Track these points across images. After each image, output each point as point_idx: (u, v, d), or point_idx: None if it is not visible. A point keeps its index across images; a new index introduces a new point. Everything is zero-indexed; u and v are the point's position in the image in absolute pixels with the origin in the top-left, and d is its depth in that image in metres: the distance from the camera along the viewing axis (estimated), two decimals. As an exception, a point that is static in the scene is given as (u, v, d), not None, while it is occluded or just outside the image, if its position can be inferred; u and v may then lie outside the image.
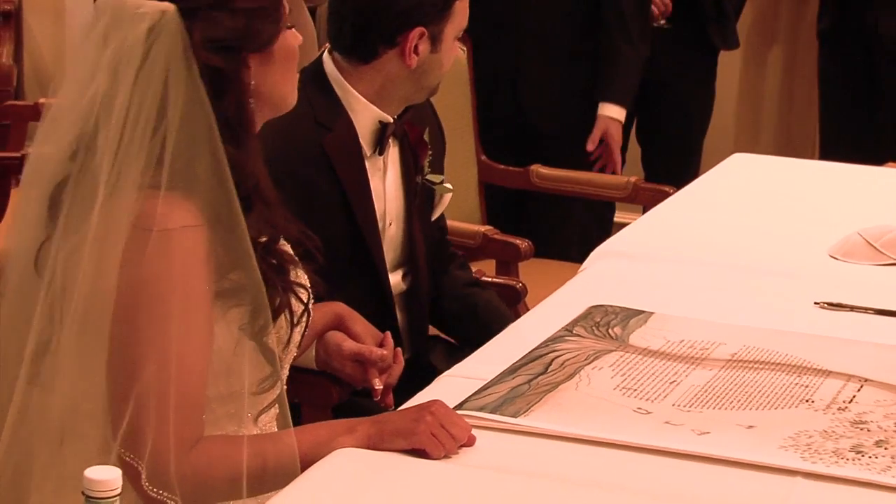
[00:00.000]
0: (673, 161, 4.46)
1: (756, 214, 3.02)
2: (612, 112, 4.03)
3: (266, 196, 1.94)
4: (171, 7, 1.85)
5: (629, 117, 4.46)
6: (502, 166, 3.90)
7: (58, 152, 1.90)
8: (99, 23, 1.88)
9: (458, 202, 3.72)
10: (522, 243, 3.27)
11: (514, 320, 2.64)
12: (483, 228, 3.33)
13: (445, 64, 2.61)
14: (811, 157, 4.77)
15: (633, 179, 3.58)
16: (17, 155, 3.57)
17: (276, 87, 2.00)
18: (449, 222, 3.32)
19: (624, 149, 4.51)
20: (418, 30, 2.54)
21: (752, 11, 4.66)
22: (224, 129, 1.86)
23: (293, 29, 2.03)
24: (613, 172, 4.02)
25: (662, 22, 4.25)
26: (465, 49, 3.80)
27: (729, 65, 4.72)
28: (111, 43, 1.86)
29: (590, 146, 4.00)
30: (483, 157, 3.87)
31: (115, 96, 1.83)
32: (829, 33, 4.53)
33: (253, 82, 1.94)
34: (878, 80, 4.34)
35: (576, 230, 4.14)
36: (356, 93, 2.56)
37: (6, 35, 5.34)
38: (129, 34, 1.84)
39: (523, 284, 2.99)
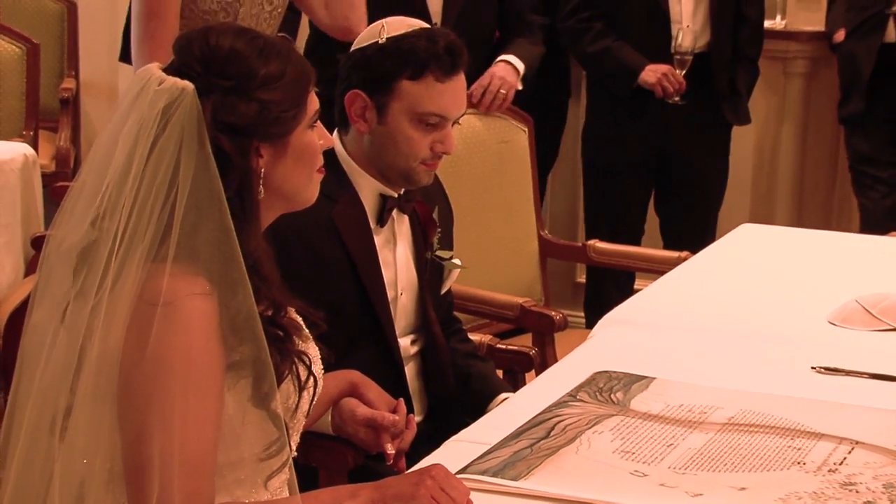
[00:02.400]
0: (690, 231, 4.44)
1: (760, 282, 3.00)
2: (508, 58, 3.92)
3: (263, 274, 1.92)
4: (189, 86, 1.86)
5: (648, 188, 4.46)
6: (562, 241, 3.97)
7: (80, 224, 1.91)
8: (126, 97, 1.90)
9: (519, 276, 3.77)
10: (557, 315, 3.26)
11: (510, 390, 2.64)
12: (521, 300, 3.33)
13: (401, 144, 2.53)
14: (824, 227, 4.73)
15: (683, 255, 3.55)
16: (62, 233, 3.57)
17: (288, 180, 1.97)
18: (488, 293, 3.33)
19: (643, 219, 4.51)
20: (357, 92, 2.53)
21: (764, 89, 4.65)
22: (237, 204, 1.86)
23: (319, 128, 2.02)
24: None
25: (677, 99, 4.25)
26: (525, 130, 3.80)
27: (744, 139, 4.71)
28: (132, 115, 1.87)
29: (476, 89, 3.82)
30: (543, 233, 3.89)
31: (130, 168, 1.84)
32: (858, 118, 4.49)
33: (263, 171, 1.94)
34: None
35: None
36: (360, 168, 2.57)
37: (65, 120, 5.41)
38: (149, 108, 1.85)
39: (537, 351, 2.98)
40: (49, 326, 1.91)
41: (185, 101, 1.85)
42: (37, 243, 3.61)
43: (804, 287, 2.95)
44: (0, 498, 1.90)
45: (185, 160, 1.84)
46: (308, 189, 2.03)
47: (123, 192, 1.84)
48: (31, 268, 3.85)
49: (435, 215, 2.70)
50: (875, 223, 4.33)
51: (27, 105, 4.82)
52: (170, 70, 1.91)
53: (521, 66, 3.89)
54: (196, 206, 1.83)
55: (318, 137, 2.02)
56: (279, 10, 3.29)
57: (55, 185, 4.25)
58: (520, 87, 3.86)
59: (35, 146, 4.60)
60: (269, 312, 1.93)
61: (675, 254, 3.62)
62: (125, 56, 4.62)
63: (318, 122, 2.03)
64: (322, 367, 2.02)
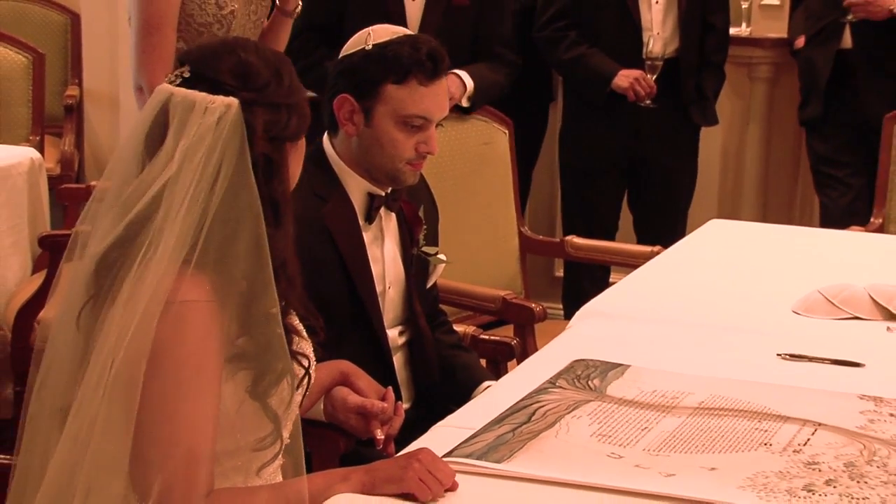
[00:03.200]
0: (662, 227, 4.43)
1: (728, 275, 3.00)
2: (459, 72, 3.78)
3: (290, 274, 1.93)
4: (234, 101, 1.86)
5: (622, 187, 4.46)
6: (541, 237, 3.97)
7: (101, 228, 1.90)
8: (171, 117, 1.89)
9: (501, 270, 3.77)
10: (536, 307, 3.26)
11: (493, 378, 2.65)
12: (503, 293, 3.33)
13: (387, 145, 2.53)
14: (787, 222, 4.74)
15: (656, 249, 3.54)
16: (68, 233, 3.55)
17: (297, 171, 2.01)
18: (471, 287, 3.33)
19: (617, 216, 4.51)
20: (344, 97, 2.53)
21: (730, 93, 4.65)
22: (269, 210, 1.87)
23: None
24: None
25: (648, 102, 4.24)
26: (506, 132, 3.80)
27: (712, 140, 4.70)
28: (185, 133, 1.86)
29: None
30: (523, 230, 3.88)
31: (178, 179, 1.83)
32: (816, 121, 4.50)
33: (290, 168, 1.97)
34: (869, 154, 4.29)
35: None
36: (348, 168, 2.57)
37: (69, 126, 5.39)
38: (201, 125, 1.85)
39: (518, 341, 2.98)
40: (66, 325, 1.90)
41: (232, 115, 1.85)
42: (43, 243, 3.61)
43: (769, 279, 2.95)
44: (17, 486, 1.90)
45: (223, 172, 1.84)
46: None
47: (162, 202, 1.84)
48: (37, 266, 3.85)
49: (421, 213, 2.69)
50: (835, 220, 4.33)
51: (33, 112, 4.81)
52: (193, 83, 1.90)
53: (469, 83, 3.77)
54: (232, 216, 1.84)
55: None
56: (261, 21, 3.29)
57: (60, 188, 4.26)
58: (464, 104, 3.75)
59: (41, 150, 4.59)
60: (275, 311, 1.92)
61: (647, 248, 3.62)
62: None
63: None
64: (312, 363, 2.02)
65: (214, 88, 1.88)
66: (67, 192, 4.18)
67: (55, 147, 5.22)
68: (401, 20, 3.60)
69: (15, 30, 5.31)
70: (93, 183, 4.10)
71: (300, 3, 3.26)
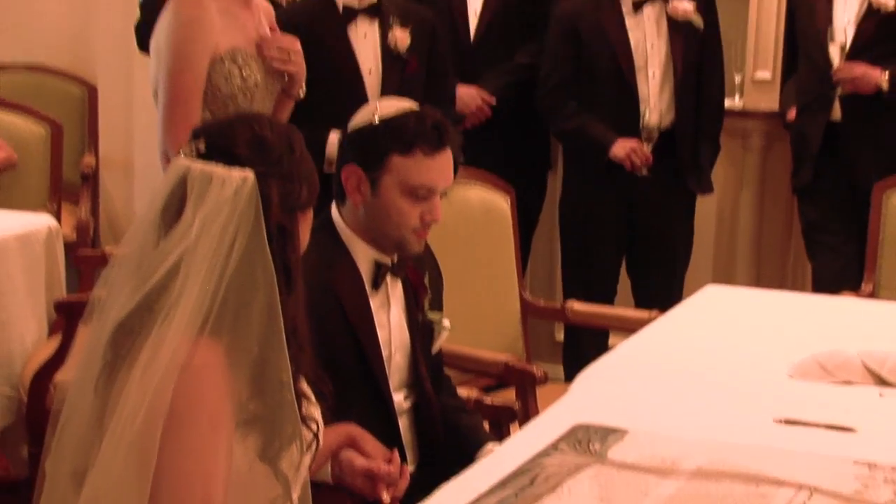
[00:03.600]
0: (659, 291, 4.42)
1: (725, 339, 2.98)
2: None
3: (301, 340, 1.93)
4: (250, 175, 1.88)
5: (620, 252, 4.45)
6: (541, 302, 3.94)
7: (120, 296, 1.90)
8: (190, 189, 1.89)
9: (503, 333, 3.75)
10: (538, 371, 3.24)
11: (496, 440, 2.64)
12: (505, 357, 3.31)
13: (393, 215, 2.53)
14: (779, 287, 4.73)
15: (654, 314, 3.52)
16: (87, 299, 3.55)
17: (305, 238, 2.02)
18: (473, 351, 3.31)
19: (616, 280, 4.50)
20: (353, 168, 2.53)
21: (724, 161, 4.66)
22: (281, 278, 1.87)
23: None
24: None
25: (644, 171, 4.25)
26: (508, 199, 3.81)
27: (707, 207, 4.71)
28: (203, 205, 1.87)
29: None
30: (525, 294, 3.87)
31: (196, 249, 1.83)
32: (808, 188, 4.51)
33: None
34: (859, 220, 4.28)
35: None
36: (356, 237, 2.57)
37: (85, 193, 5.40)
38: (218, 197, 1.86)
39: (520, 404, 2.96)
40: (83, 389, 1.90)
41: (248, 188, 1.86)
42: (59, 308, 3.60)
43: (765, 344, 2.93)
44: None
45: (238, 242, 1.85)
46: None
47: (179, 271, 1.84)
48: (53, 329, 3.84)
49: (426, 280, 2.69)
50: (826, 284, 4.32)
51: (51, 180, 4.81)
52: (209, 156, 1.90)
53: None
54: (247, 284, 1.84)
55: None
56: (277, 86, 3.30)
57: (76, 254, 4.26)
58: None
59: (58, 217, 4.59)
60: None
61: (646, 313, 3.60)
62: (142, 45, 4.53)
63: None
64: (321, 427, 2.02)
65: (230, 161, 1.89)
66: (83, 258, 4.18)
67: (72, 213, 5.22)
68: (359, 91, 3.65)
69: (34, 100, 5.33)
70: (108, 248, 4.11)
71: (304, 88, 3.29)
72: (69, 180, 5.23)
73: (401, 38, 3.75)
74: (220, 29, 3.15)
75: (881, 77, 4.26)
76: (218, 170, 1.88)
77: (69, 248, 4.35)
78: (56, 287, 3.88)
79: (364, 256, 2.58)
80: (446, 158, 2.57)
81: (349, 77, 3.59)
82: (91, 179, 5.49)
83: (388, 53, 3.76)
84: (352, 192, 2.55)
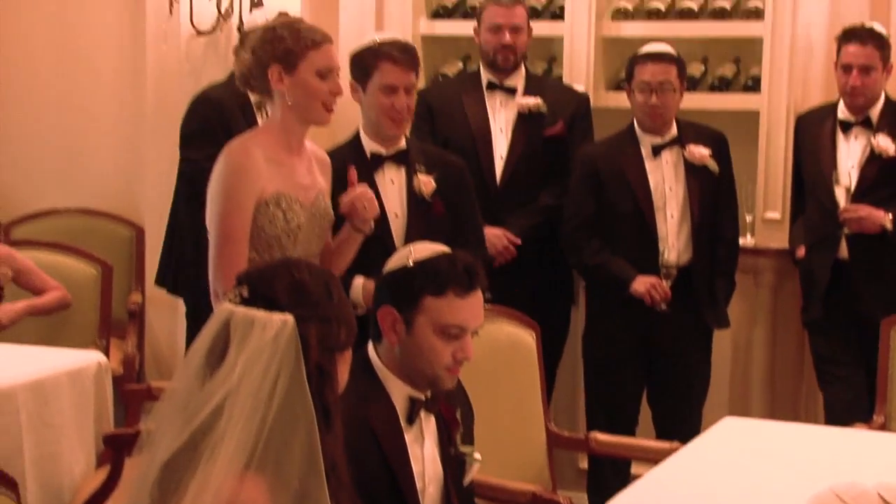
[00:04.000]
0: (679, 422, 4.42)
1: (743, 471, 2.97)
2: None
3: (339, 475, 1.94)
4: (290, 318, 1.91)
5: (640, 385, 4.45)
6: (566, 433, 3.93)
7: (169, 430, 1.92)
8: (233, 333, 1.93)
9: (529, 463, 3.74)
10: (565, 501, 3.22)
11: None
12: (532, 487, 3.30)
13: (426, 353, 2.57)
14: (793, 417, 4.72)
15: (675, 445, 3.50)
16: (130, 431, 3.58)
17: (344, 377, 2.05)
18: (502, 481, 3.30)
19: (637, 411, 4.49)
20: (388, 309, 2.57)
21: (737, 297, 4.68)
22: (321, 416, 1.89)
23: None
24: None
25: (663, 307, 4.27)
26: (533, 335, 3.82)
27: (722, 341, 4.71)
28: (245, 348, 1.90)
29: None
30: (550, 426, 3.86)
31: (239, 391, 1.86)
32: (818, 323, 4.52)
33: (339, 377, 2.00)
34: (869, 353, 4.28)
35: None
36: (391, 374, 2.59)
37: (132, 329, 5.45)
38: (260, 340, 1.89)
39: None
40: None
41: (287, 331, 1.90)
42: (108, 441, 3.62)
43: (782, 475, 2.92)
44: None
45: (281, 383, 1.87)
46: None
47: (223, 411, 1.86)
48: (100, 462, 3.85)
49: (458, 414, 2.70)
50: (837, 415, 4.31)
51: (101, 317, 4.88)
52: (252, 301, 1.94)
53: None
54: (288, 423, 1.86)
55: None
56: (324, 234, 3.39)
57: (123, 389, 4.29)
58: None
59: (107, 353, 4.64)
60: None
61: (667, 444, 3.59)
62: (161, 280, 4.74)
63: None
64: None
65: (271, 306, 1.92)
66: (130, 393, 4.21)
67: (118, 348, 5.26)
68: (386, 235, 3.71)
69: (85, 242, 5.42)
70: (154, 383, 4.14)
71: (373, 224, 3.36)
72: (116, 316, 5.28)
73: (425, 182, 3.82)
74: (266, 175, 3.23)
75: (885, 218, 4.31)
76: (259, 314, 1.91)
77: (116, 381, 4.38)
78: (104, 420, 3.91)
79: (399, 392, 2.61)
80: (477, 299, 2.61)
81: (376, 221, 3.66)
82: (137, 316, 5.55)
83: (414, 198, 3.82)
84: (387, 332, 2.58)
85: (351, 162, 3.65)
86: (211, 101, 4.38)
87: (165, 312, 5.64)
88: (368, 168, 3.80)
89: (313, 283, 1.99)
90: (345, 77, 3.52)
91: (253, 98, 4.67)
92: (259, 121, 4.71)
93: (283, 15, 4.45)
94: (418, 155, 3.87)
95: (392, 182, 3.83)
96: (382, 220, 3.76)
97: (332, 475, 1.90)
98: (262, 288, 1.96)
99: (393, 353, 2.60)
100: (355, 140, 3.87)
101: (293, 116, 3.28)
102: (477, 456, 2.72)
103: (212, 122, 4.28)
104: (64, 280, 4.78)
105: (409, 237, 3.71)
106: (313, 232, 3.32)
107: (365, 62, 3.73)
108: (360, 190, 3.38)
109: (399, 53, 3.70)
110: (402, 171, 3.84)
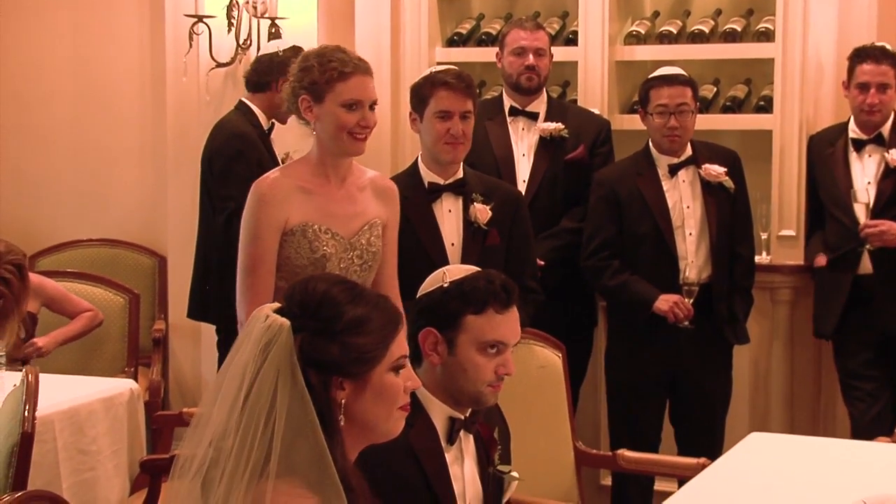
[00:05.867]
0: (701, 438, 4.42)
1: (774, 486, 2.97)
2: None
3: (349, 482, 1.94)
4: (286, 324, 1.93)
5: (663, 401, 4.46)
6: (594, 451, 3.94)
7: (200, 451, 1.94)
8: (242, 334, 1.96)
9: (558, 482, 3.75)
10: (592, 519, 3.24)
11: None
12: (564, 504, 3.31)
13: (469, 370, 2.58)
14: (812, 431, 4.73)
15: (702, 461, 3.51)
16: (166, 457, 3.59)
17: (367, 413, 2.00)
18: (536, 499, 3.32)
19: (660, 428, 4.50)
20: (429, 331, 2.59)
21: (755, 314, 4.69)
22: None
23: (407, 371, 2.04)
24: None
25: (687, 324, 4.29)
26: (560, 355, 3.84)
27: (741, 357, 4.72)
28: (241, 349, 1.92)
29: None
30: (578, 444, 3.87)
31: (238, 398, 1.88)
32: (843, 338, 4.53)
33: (344, 402, 1.97)
34: (894, 368, 4.29)
35: None
36: (431, 396, 2.61)
37: (156, 356, 5.47)
38: (253, 344, 1.91)
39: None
40: None
41: (282, 337, 1.91)
42: (144, 466, 3.62)
43: (811, 488, 2.93)
44: None
45: (281, 389, 1.88)
46: (388, 423, 2.04)
47: (231, 420, 1.88)
48: (134, 487, 3.87)
49: (495, 434, 2.72)
50: (863, 431, 4.33)
51: (129, 346, 4.90)
52: (279, 312, 1.97)
53: None
54: (293, 429, 1.87)
55: (405, 379, 2.05)
56: (370, 264, 3.35)
57: (154, 415, 4.31)
58: None
59: (134, 380, 4.66)
60: None
61: (694, 460, 3.58)
62: (192, 313, 4.80)
63: (407, 364, 2.07)
64: None
65: (285, 314, 1.95)
66: (161, 419, 4.23)
67: (143, 375, 5.28)
68: (443, 262, 3.70)
69: (109, 271, 5.46)
70: (185, 410, 4.16)
71: None
72: (141, 344, 5.31)
73: (481, 211, 3.85)
74: (295, 205, 3.23)
75: None
76: (262, 317, 1.94)
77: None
78: (137, 446, 3.93)
79: (439, 413, 2.62)
80: (514, 315, 2.64)
81: (433, 249, 3.68)
82: (162, 343, 5.57)
83: (469, 226, 3.85)
84: (429, 353, 2.60)
85: (409, 190, 3.68)
86: (238, 136, 4.48)
87: (188, 340, 5.66)
88: (426, 197, 3.83)
89: (331, 295, 1.98)
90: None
91: (265, 125, 4.76)
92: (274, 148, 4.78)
93: (296, 49, 4.51)
94: (476, 185, 3.91)
95: (450, 211, 3.87)
96: (439, 248, 3.79)
97: (343, 483, 1.90)
98: (286, 297, 2.00)
99: (433, 374, 2.61)
100: (413, 169, 3.91)
101: (325, 146, 3.29)
102: (515, 475, 2.73)
103: (244, 157, 4.38)
104: (90, 310, 4.81)
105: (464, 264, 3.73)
106: (353, 263, 3.30)
107: (422, 92, 3.78)
108: None
109: (454, 80, 3.76)
110: (460, 201, 3.88)
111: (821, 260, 4.61)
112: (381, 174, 3.53)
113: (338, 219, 3.28)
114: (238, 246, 3.26)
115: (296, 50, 4.54)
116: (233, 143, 4.56)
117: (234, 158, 4.55)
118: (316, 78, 3.22)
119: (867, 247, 4.40)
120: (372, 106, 3.27)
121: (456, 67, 3.93)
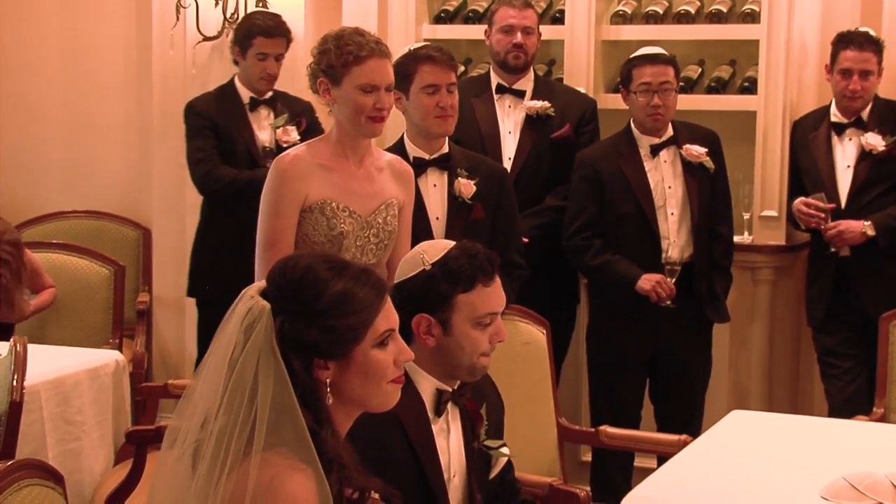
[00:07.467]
0: (680, 415, 4.44)
1: (756, 462, 3.00)
2: None
3: (341, 459, 1.94)
4: (266, 306, 1.93)
5: (643, 379, 4.48)
6: (577, 427, 3.97)
7: (190, 424, 1.94)
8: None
9: (541, 457, 3.76)
10: (581, 492, 3.24)
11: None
12: (549, 479, 3.31)
13: (467, 346, 2.60)
14: (791, 410, 4.75)
15: (683, 437, 3.53)
16: (152, 428, 3.59)
17: (355, 391, 2.00)
18: (520, 474, 3.31)
19: (640, 406, 4.52)
20: (422, 316, 2.59)
21: (736, 294, 4.71)
22: (302, 405, 1.89)
23: (396, 343, 2.03)
24: None
25: (669, 303, 4.30)
26: (544, 332, 3.84)
27: (721, 335, 4.74)
28: (226, 331, 1.92)
29: None
30: (560, 420, 3.88)
31: (223, 378, 1.88)
32: (824, 320, 4.56)
33: (329, 381, 1.96)
34: (871, 348, 4.31)
35: None
36: (418, 368, 2.61)
37: (140, 328, 5.46)
38: (235, 325, 1.91)
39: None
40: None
41: (262, 320, 1.91)
42: (131, 437, 3.62)
43: (793, 465, 2.95)
44: None
45: (262, 370, 1.88)
46: (378, 398, 2.03)
47: (217, 396, 1.88)
48: (119, 458, 3.86)
49: (483, 410, 2.72)
50: (838, 408, 4.35)
51: (114, 317, 4.88)
52: (263, 293, 1.97)
53: None
54: (276, 408, 1.87)
55: (396, 353, 2.04)
56: (385, 243, 3.35)
57: (140, 386, 4.31)
58: None
59: (118, 352, 4.65)
60: (356, 496, 1.94)
61: (676, 437, 3.60)
62: (192, 291, 4.81)
63: (397, 337, 2.06)
64: None
65: (268, 295, 1.95)
66: (146, 390, 4.22)
67: (127, 348, 5.26)
68: (427, 236, 3.70)
69: (94, 243, 5.44)
70: (170, 381, 4.15)
71: None
72: (125, 316, 5.29)
73: (465, 186, 3.85)
74: (315, 181, 3.23)
75: (864, 226, 4.37)
76: (247, 298, 1.94)
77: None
78: (122, 417, 3.92)
79: (427, 385, 2.62)
80: (498, 282, 2.66)
81: (418, 223, 3.67)
82: (145, 315, 5.55)
83: (454, 201, 3.85)
84: (423, 336, 2.59)
85: None
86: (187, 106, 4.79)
87: (172, 312, 5.65)
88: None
89: (309, 276, 1.97)
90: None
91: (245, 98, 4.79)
92: (252, 122, 4.78)
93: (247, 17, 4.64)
94: (461, 160, 3.91)
95: (434, 186, 3.87)
96: (424, 222, 3.78)
97: (334, 462, 1.90)
98: (269, 278, 2.00)
99: (424, 352, 2.60)
100: (398, 145, 3.90)
101: (343, 128, 3.29)
102: (504, 450, 2.73)
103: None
104: (76, 281, 4.80)
105: (448, 238, 3.73)
106: (369, 241, 3.30)
107: (404, 69, 3.74)
108: None
109: (437, 53, 3.77)
110: (445, 176, 3.88)
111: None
112: (399, 157, 3.52)
113: (356, 197, 3.28)
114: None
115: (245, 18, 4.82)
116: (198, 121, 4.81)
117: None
118: (333, 61, 3.23)
119: (836, 251, 4.44)
120: (389, 88, 3.27)
121: (432, 43, 3.91)
